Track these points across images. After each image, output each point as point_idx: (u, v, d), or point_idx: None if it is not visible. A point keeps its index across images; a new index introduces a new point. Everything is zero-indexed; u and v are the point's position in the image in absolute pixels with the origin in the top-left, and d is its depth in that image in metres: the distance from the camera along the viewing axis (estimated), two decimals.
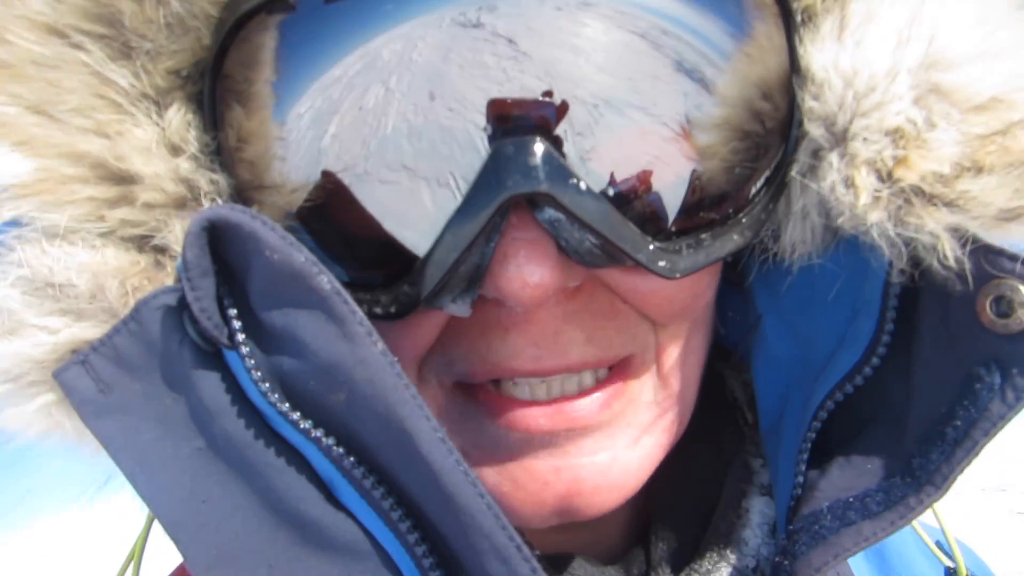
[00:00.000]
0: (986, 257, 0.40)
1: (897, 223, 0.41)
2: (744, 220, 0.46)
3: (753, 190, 0.46)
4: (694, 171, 0.44)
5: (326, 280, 0.39)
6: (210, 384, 0.42)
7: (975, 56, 0.40)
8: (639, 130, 0.42)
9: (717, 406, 0.60)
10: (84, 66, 0.41)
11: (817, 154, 0.44)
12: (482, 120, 0.40)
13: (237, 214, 0.39)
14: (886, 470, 0.43)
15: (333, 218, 0.44)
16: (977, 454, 0.40)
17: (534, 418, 0.47)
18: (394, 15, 0.40)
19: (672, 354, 0.48)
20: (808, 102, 0.43)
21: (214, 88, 0.44)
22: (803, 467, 0.47)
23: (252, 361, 0.41)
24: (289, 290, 0.39)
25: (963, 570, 0.57)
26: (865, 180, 0.41)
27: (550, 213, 0.41)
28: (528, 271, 0.42)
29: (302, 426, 0.41)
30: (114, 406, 0.41)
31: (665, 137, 0.42)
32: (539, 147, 0.40)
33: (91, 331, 0.43)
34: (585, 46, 0.40)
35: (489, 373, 0.48)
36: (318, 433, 0.41)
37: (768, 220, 0.47)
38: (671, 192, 0.44)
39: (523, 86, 0.40)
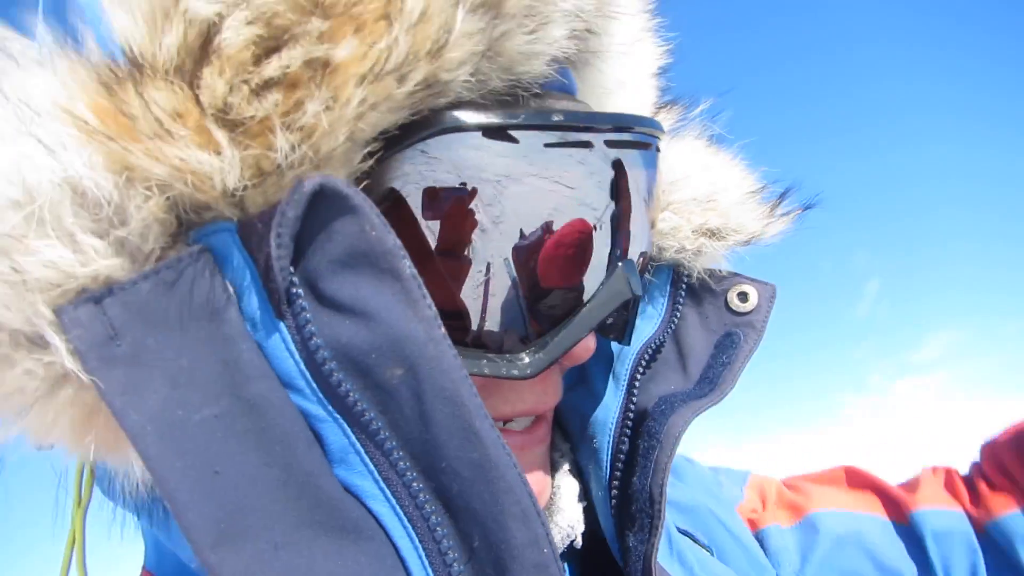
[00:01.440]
0: (731, 275, 0.72)
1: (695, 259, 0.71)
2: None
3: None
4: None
5: (409, 264, 0.41)
6: (251, 347, 0.40)
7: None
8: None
9: None
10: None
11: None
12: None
13: (346, 185, 0.40)
14: (686, 385, 0.68)
15: (466, 284, 0.51)
16: (743, 368, 0.67)
17: (524, 440, 0.58)
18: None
19: None
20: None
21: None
22: (635, 393, 0.66)
23: (313, 327, 0.41)
24: (369, 266, 0.41)
25: None
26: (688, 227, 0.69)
27: None
28: (591, 342, 0.57)
29: (343, 388, 0.41)
30: (124, 356, 0.37)
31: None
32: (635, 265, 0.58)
33: (119, 271, 0.39)
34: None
35: (508, 414, 0.57)
36: (356, 397, 0.41)
37: None
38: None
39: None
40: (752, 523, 0.85)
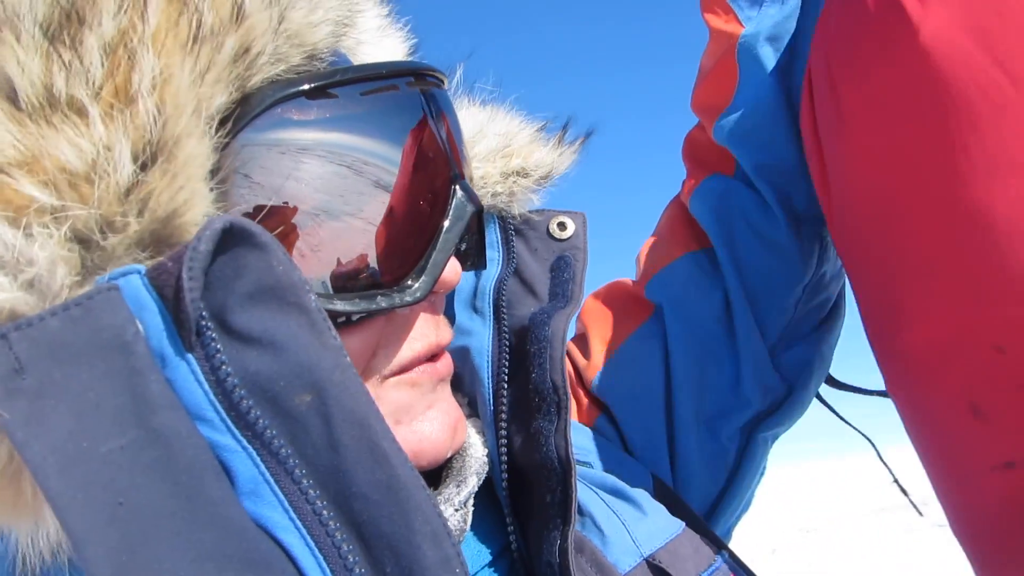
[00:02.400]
0: (546, 211, 0.82)
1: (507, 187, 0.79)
2: None
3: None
4: None
5: (313, 298, 0.43)
6: (158, 379, 0.40)
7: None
8: None
9: None
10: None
11: None
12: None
13: (254, 224, 0.42)
14: (542, 302, 0.76)
15: (335, 239, 0.54)
16: (584, 281, 0.78)
17: (441, 369, 0.62)
18: None
19: None
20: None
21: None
22: (504, 318, 0.74)
23: (223, 356, 0.41)
24: (276, 300, 0.42)
25: None
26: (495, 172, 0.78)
27: None
28: (456, 264, 0.61)
29: (253, 415, 0.42)
30: (28, 389, 0.36)
31: None
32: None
33: (24, 306, 0.39)
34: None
35: (421, 353, 0.60)
36: (266, 423, 0.42)
37: None
38: None
39: None
40: (586, 424, 0.90)
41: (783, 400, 0.90)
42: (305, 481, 0.42)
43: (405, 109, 0.58)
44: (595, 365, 0.93)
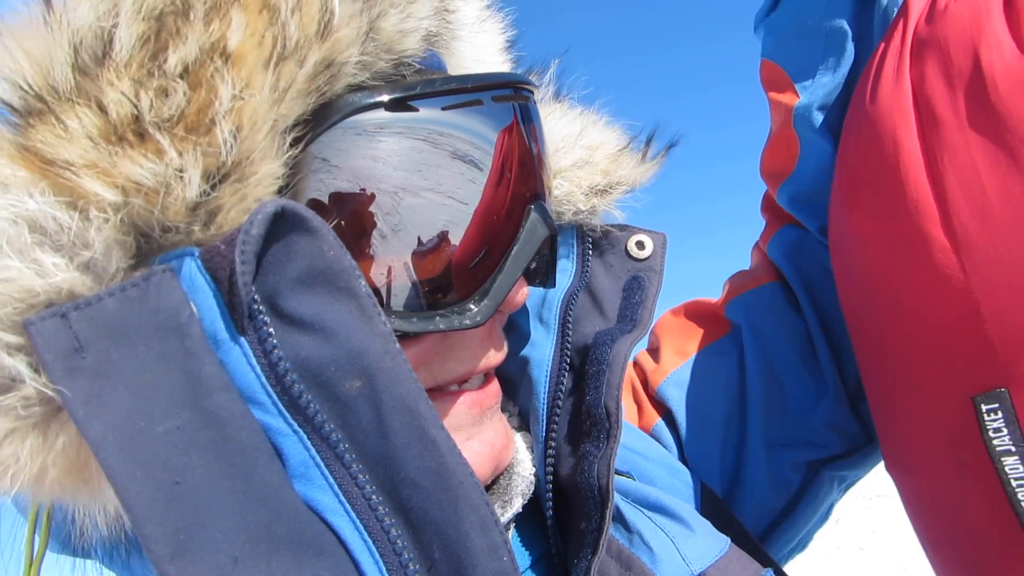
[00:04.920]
0: (627, 227, 0.80)
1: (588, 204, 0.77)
2: None
3: None
4: None
5: (363, 283, 0.44)
6: (212, 361, 0.41)
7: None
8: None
9: None
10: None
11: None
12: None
13: (306, 209, 0.42)
14: (609, 322, 0.75)
15: (401, 256, 0.54)
16: (655, 306, 0.76)
17: (485, 398, 0.62)
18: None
19: None
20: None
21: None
22: (569, 333, 0.73)
23: (275, 340, 0.42)
24: (327, 284, 0.43)
25: None
26: (579, 189, 0.76)
27: None
28: (524, 285, 0.61)
29: (305, 399, 0.42)
30: (88, 368, 0.37)
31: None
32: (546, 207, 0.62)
33: (81, 287, 0.40)
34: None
35: (463, 373, 0.60)
36: (317, 407, 0.42)
37: None
38: None
39: None
40: (643, 429, 0.90)
41: (861, 447, 0.87)
42: (355, 466, 0.43)
43: (488, 125, 0.57)
44: (663, 370, 0.93)
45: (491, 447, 0.61)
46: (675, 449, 0.87)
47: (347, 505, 0.43)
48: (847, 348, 0.85)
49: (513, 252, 0.59)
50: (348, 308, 0.43)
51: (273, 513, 0.40)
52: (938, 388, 0.67)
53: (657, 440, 0.88)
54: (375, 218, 0.51)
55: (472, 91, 0.55)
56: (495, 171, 0.57)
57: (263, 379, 0.42)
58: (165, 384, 0.39)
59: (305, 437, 0.42)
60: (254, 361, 0.42)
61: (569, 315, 0.74)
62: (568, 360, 0.71)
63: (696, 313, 0.98)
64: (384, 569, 0.42)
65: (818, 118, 0.87)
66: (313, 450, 0.43)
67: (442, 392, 0.59)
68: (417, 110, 0.52)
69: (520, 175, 0.59)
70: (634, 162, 0.79)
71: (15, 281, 0.38)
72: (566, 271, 0.78)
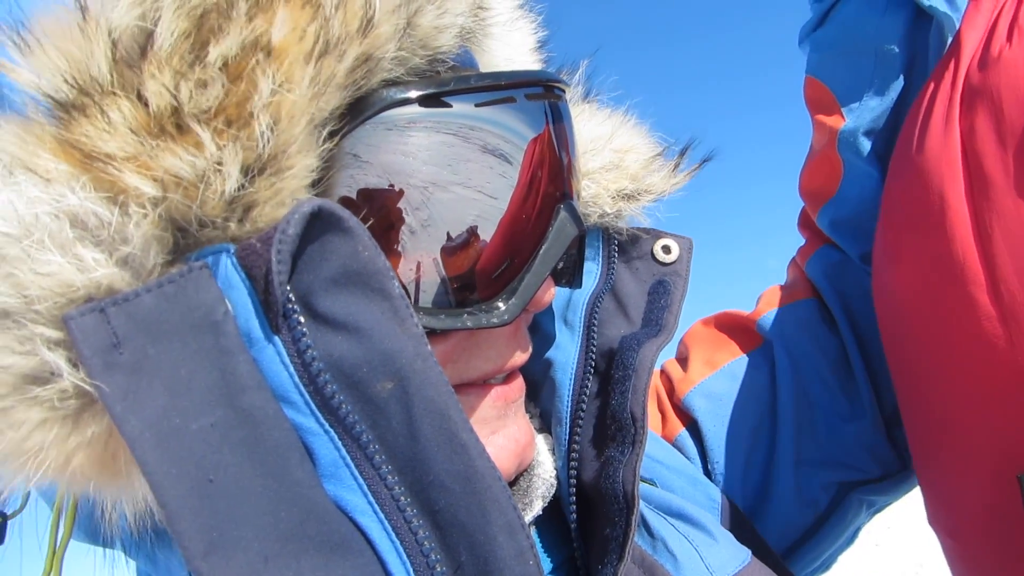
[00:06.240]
0: (653, 231, 0.78)
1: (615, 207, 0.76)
2: None
3: None
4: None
5: (397, 284, 0.43)
6: (246, 359, 0.41)
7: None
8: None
9: None
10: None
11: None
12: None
13: (342, 209, 0.42)
14: (634, 325, 0.74)
15: (432, 254, 0.54)
16: (680, 310, 0.74)
17: (510, 392, 0.61)
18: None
19: None
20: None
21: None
22: (594, 337, 0.72)
23: (309, 340, 0.42)
24: (361, 285, 0.43)
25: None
26: (607, 193, 0.75)
27: None
28: (552, 285, 0.60)
29: (337, 399, 0.42)
30: (125, 364, 0.37)
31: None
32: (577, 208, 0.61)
33: (120, 282, 0.40)
34: None
35: (490, 372, 0.59)
36: (348, 407, 0.42)
37: None
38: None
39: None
40: (666, 438, 0.89)
41: (895, 474, 0.86)
42: (384, 467, 0.43)
43: (521, 122, 0.57)
44: (692, 380, 0.92)
45: (515, 442, 0.60)
46: (698, 461, 0.87)
47: (375, 506, 0.43)
48: (884, 373, 0.83)
49: (542, 251, 0.58)
50: (382, 309, 0.43)
51: (304, 513, 0.40)
52: (981, 458, 0.64)
53: (679, 450, 0.88)
54: (404, 214, 0.51)
55: (505, 87, 0.55)
56: (525, 168, 0.56)
57: (296, 378, 0.42)
58: (200, 381, 0.39)
59: (336, 437, 0.43)
60: (287, 360, 0.42)
61: (595, 318, 0.74)
62: (593, 363, 0.71)
63: (727, 325, 0.97)
64: (411, 570, 0.42)
65: (865, 144, 0.86)
66: (344, 450, 0.43)
67: (467, 386, 0.59)
68: (450, 106, 0.52)
69: (550, 174, 0.59)
70: (665, 171, 0.78)
71: (56, 276, 0.38)
72: (591, 273, 0.78)
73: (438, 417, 0.43)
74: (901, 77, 0.84)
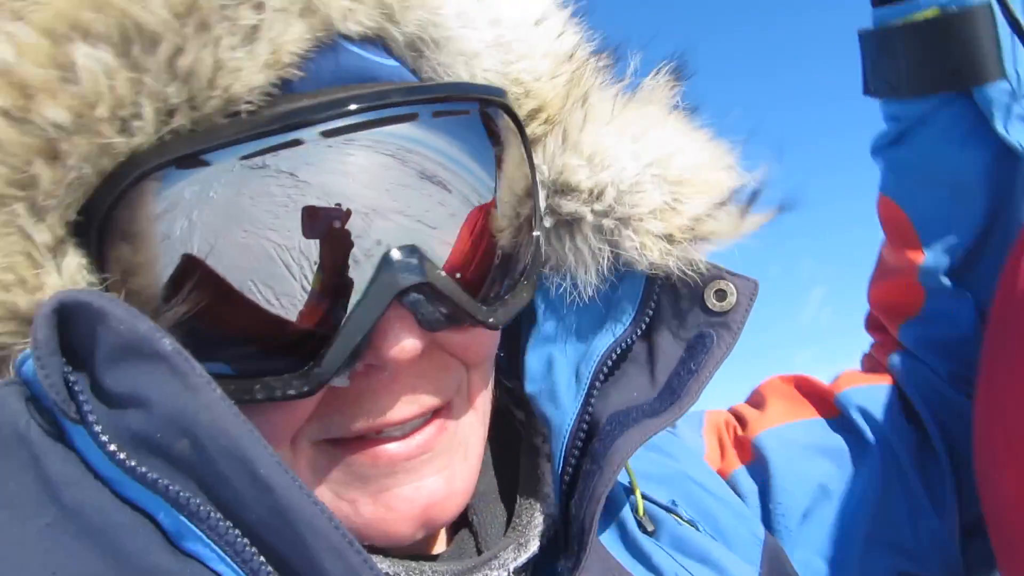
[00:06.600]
0: (710, 268, 0.67)
1: (665, 259, 0.65)
2: (526, 280, 0.64)
3: (525, 261, 0.64)
4: (496, 252, 0.61)
5: (168, 342, 0.44)
6: (56, 459, 0.44)
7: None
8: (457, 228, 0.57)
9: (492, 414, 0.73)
10: (16, 228, 0.48)
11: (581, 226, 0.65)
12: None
13: (85, 294, 0.44)
14: (649, 394, 0.65)
15: (221, 321, 0.52)
16: (711, 377, 0.64)
17: (396, 452, 0.57)
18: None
19: (479, 386, 0.65)
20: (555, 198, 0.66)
21: (102, 231, 0.50)
22: (592, 403, 0.65)
23: (99, 427, 0.44)
24: (134, 355, 0.44)
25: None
26: (655, 243, 0.64)
27: (413, 296, 0.53)
28: (404, 339, 0.53)
29: (150, 477, 0.43)
30: None
31: (473, 229, 0.59)
32: (415, 251, 0.54)
33: None
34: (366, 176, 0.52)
35: (361, 430, 0.57)
36: (166, 482, 0.44)
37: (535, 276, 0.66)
38: (484, 269, 0.60)
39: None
40: (721, 472, 0.88)
41: None
42: (213, 515, 0.44)
43: (317, 171, 0.51)
44: (769, 420, 0.92)
45: (408, 503, 0.57)
46: (754, 498, 0.85)
47: (220, 553, 0.44)
48: (970, 481, 0.80)
49: (356, 311, 0.52)
50: (160, 371, 0.44)
51: (152, 574, 0.43)
52: None
53: (733, 486, 0.86)
54: (186, 278, 0.50)
55: (290, 129, 0.49)
56: (313, 220, 0.51)
57: (108, 461, 0.44)
58: (27, 490, 0.43)
59: (163, 501, 0.44)
60: (92, 444, 0.45)
61: (601, 378, 0.65)
62: (582, 437, 0.64)
63: (806, 389, 0.97)
64: None
65: (946, 282, 0.85)
66: (176, 512, 0.44)
67: (340, 442, 0.57)
68: (209, 164, 0.49)
69: (367, 221, 0.52)
70: (731, 218, 0.65)
71: None
72: (624, 313, 0.68)
73: (236, 461, 0.43)
74: (982, 214, 0.82)
